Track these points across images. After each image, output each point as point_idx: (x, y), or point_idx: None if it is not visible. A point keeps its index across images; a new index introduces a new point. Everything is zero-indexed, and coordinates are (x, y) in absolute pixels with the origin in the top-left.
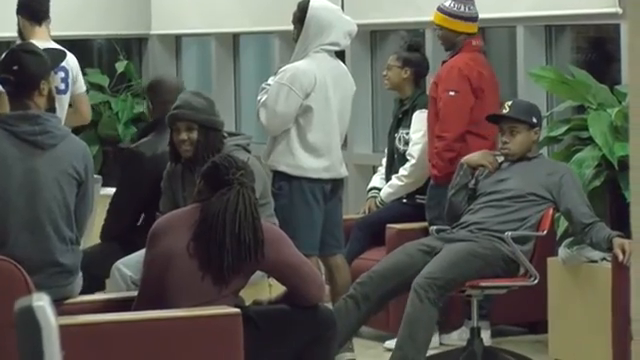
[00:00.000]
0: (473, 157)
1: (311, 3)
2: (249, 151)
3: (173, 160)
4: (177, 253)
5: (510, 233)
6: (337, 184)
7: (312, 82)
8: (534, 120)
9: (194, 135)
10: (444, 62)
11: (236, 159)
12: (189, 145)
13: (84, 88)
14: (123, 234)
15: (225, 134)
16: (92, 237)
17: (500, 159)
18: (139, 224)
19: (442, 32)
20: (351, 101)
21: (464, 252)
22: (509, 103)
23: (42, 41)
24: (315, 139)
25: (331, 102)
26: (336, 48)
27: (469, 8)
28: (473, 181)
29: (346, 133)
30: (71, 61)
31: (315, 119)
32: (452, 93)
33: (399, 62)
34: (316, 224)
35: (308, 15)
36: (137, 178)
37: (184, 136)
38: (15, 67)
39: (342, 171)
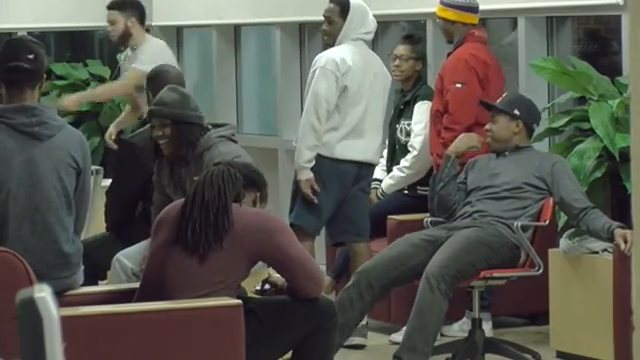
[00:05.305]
0: (459, 145)
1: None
2: (235, 141)
3: (157, 155)
4: (174, 245)
5: (520, 223)
6: (364, 171)
7: (347, 65)
8: (515, 112)
9: (167, 130)
10: (449, 54)
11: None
12: (164, 140)
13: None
14: (120, 225)
15: (209, 126)
16: (92, 228)
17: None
18: (136, 216)
19: (439, 22)
20: (387, 90)
21: (472, 239)
22: (504, 94)
23: (147, 42)
24: (350, 120)
25: (366, 85)
26: (371, 37)
27: None
28: (463, 175)
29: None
30: None
31: (350, 100)
32: (459, 85)
33: (415, 54)
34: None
35: (352, 8)
36: (129, 169)
37: (158, 132)
38: (31, 56)
39: (372, 158)
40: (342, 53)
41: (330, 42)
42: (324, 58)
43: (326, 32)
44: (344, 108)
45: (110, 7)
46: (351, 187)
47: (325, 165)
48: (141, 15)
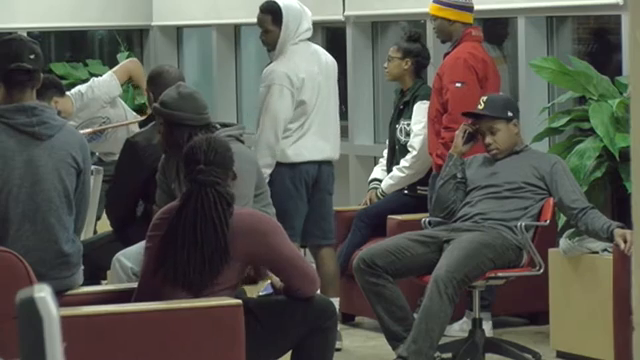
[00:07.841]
0: (457, 142)
1: (280, 3)
2: (242, 141)
3: (165, 152)
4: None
5: (523, 223)
6: (325, 169)
7: (301, 78)
8: (509, 114)
9: (162, 129)
10: (446, 54)
11: (204, 142)
12: (161, 138)
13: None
14: (120, 225)
15: (217, 125)
16: (98, 227)
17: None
18: (137, 216)
19: (437, 22)
20: (334, 74)
21: (477, 243)
22: (484, 99)
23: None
24: (307, 125)
25: (317, 88)
26: (310, 33)
27: None
28: (459, 173)
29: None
30: None
31: (307, 109)
32: (459, 85)
33: (399, 53)
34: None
35: (285, 13)
36: (131, 167)
37: (160, 129)
38: (32, 56)
39: (330, 154)
40: (292, 65)
41: (270, 49)
42: (277, 73)
43: (264, 42)
44: (300, 118)
45: None
46: (315, 186)
47: (286, 172)
48: (59, 89)
